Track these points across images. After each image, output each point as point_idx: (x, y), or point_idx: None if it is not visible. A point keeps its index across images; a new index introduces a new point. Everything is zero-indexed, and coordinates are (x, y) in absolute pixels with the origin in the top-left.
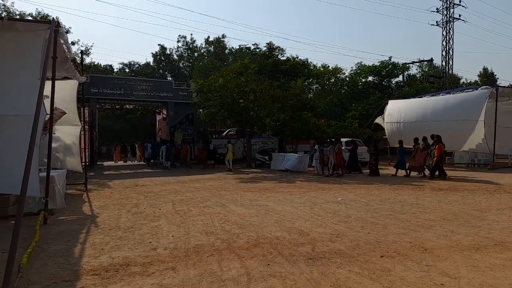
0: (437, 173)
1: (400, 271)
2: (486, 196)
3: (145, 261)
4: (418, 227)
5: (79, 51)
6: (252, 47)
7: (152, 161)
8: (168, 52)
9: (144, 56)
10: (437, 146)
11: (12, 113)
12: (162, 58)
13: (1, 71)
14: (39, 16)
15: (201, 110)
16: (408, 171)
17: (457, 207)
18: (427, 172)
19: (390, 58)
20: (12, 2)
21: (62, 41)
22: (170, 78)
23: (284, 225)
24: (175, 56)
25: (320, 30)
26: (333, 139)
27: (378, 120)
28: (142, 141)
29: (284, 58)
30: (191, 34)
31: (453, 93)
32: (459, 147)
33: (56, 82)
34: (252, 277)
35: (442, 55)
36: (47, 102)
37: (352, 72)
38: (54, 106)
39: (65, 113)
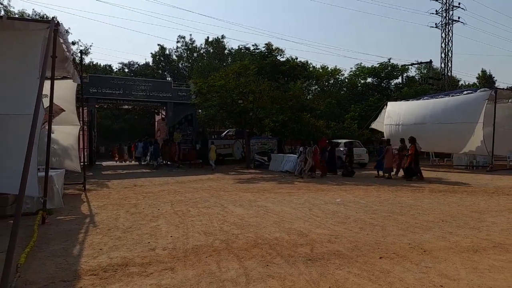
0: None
1: (399, 272)
2: (484, 198)
3: (144, 261)
4: (417, 229)
5: (78, 51)
6: (252, 48)
7: (142, 161)
8: (167, 52)
9: (143, 56)
10: (410, 147)
11: (11, 112)
12: (162, 58)
13: (0, 70)
14: (37, 16)
15: (200, 110)
16: (379, 172)
17: (456, 209)
18: (401, 173)
19: (389, 59)
20: (8, 0)
21: (61, 41)
22: (169, 79)
23: (283, 226)
24: (174, 57)
25: (319, 31)
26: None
27: (374, 125)
28: (135, 143)
29: (284, 59)
30: (191, 35)
31: (452, 95)
32: (459, 149)
33: (55, 82)
34: (251, 278)
35: (441, 57)
36: (46, 101)
37: (351, 73)
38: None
39: (64, 110)
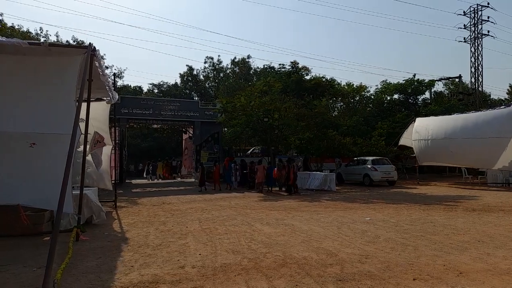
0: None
1: None
2: None
3: (174, 279)
4: (452, 249)
5: (112, 74)
6: (277, 67)
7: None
8: (195, 72)
9: (173, 77)
10: (287, 166)
11: (50, 131)
12: (189, 78)
13: (40, 92)
14: (75, 42)
15: (225, 129)
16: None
17: (493, 229)
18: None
19: (414, 75)
20: (47, 31)
21: (97, 65)
22: (196, 98)
23: (311, 245)
24: (201, 77)
25: (345, 48)
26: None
27: (402, 141)
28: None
29: (309, 77)
30: (219, 56)
31: (484, 111)
32: (491, 165)
33: (90, 104)
34: None
35: (471, 71)
36: (82, 124)
37: (377, 90)
38: (99, 135)
39: (104, 138)
